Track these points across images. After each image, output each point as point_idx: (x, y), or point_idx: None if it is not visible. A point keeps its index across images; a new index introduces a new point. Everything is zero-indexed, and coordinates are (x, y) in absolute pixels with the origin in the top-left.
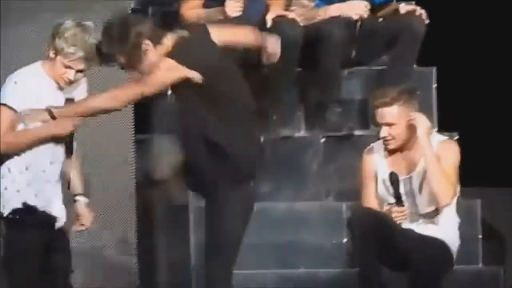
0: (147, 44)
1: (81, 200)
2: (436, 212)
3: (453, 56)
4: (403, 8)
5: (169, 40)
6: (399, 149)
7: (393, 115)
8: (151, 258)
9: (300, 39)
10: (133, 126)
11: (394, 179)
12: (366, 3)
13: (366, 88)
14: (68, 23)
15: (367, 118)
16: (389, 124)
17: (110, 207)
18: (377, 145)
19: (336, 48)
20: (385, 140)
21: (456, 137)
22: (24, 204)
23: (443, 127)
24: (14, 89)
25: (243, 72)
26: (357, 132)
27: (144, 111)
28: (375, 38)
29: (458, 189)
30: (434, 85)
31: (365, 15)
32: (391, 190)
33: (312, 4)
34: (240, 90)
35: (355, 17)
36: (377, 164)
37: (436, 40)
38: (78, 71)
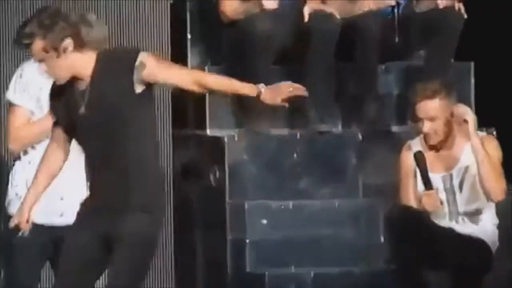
0: (68, 42)
1: None
2: (476, 211)
3: (491, 51)
4: (442, 3)
5: (93, 54)
6: (438, 146)
7: (436, 109)
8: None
9: (337, 35)
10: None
11: (419, 158)
12: None
13: (403, 83)
14: (72, 17)
15: (405, 114)
16: (431, 118)
17: None
18: (415, 142)
19: (372, 42)
20: (426, 135)
21: (494, 133)
22: (16, 195)
23: (480, 123)
24: (17, 83)
25: (281, 66)
26: (395, 128)
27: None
28: (412, 31)
29: None
30: (472, 80)
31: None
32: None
33: None
34: None
35: (393, 3)
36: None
37: (474, 35)
38: None
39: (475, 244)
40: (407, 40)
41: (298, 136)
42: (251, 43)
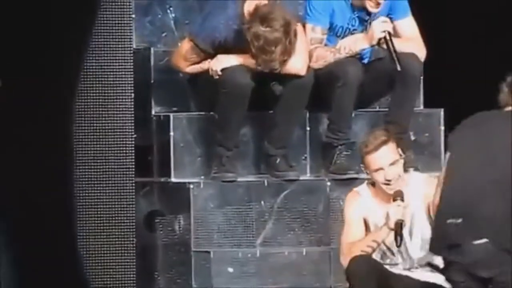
0: None
1: None
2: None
3: (461, 98)
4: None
5: None
6: None
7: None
8: None
9: (311, 82)
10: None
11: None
12: (385, 18)
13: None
14: None
15: None
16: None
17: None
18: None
19: (352, 88)
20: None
21: None
22: None
23: None
24: None
25: (251, 112)
26: (363, 175)
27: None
28: (376, 80)
29: None
30: (442, 127)
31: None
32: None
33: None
34: None
35: (382, 35)
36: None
37: (444, 81)
38: None
39: None
40: (374, 88)
41: (266, 183)
42: (228, 93)
